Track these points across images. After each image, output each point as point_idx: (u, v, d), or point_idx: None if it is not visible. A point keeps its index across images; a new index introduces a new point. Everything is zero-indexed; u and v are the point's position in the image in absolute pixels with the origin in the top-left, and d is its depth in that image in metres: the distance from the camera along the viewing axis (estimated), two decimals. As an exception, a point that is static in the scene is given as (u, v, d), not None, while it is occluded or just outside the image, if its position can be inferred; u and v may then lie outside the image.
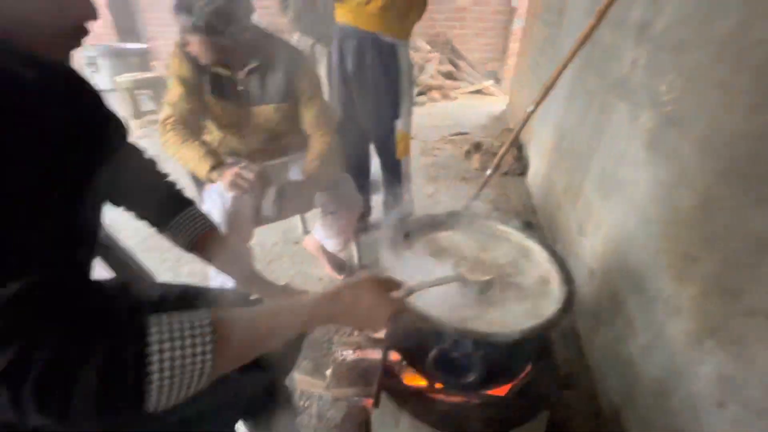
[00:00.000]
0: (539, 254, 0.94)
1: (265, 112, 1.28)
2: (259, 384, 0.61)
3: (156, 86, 3.49)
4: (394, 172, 1.75)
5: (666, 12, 1.08)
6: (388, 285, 0.60)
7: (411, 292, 0.63)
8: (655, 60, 1.10)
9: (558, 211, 1.81)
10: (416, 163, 2.71)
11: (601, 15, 1.20)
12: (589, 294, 1.34)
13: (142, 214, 0.77)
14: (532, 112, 1.39)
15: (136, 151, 0.76)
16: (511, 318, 0.78)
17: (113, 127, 0.69)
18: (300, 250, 1.84)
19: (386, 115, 1.62)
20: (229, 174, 1.08)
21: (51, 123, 0.49)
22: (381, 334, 1.16)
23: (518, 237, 0.99)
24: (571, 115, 1.87)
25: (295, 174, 1.35)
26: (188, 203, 0.80)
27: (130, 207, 0.76)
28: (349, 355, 1.26)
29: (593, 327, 1.30)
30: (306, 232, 1.93)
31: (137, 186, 0.75)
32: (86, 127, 0.60)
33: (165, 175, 0.80)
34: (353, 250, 1.74)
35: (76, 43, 0.48)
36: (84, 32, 0.48)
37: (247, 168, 1.10)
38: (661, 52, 1.08)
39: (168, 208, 0.78)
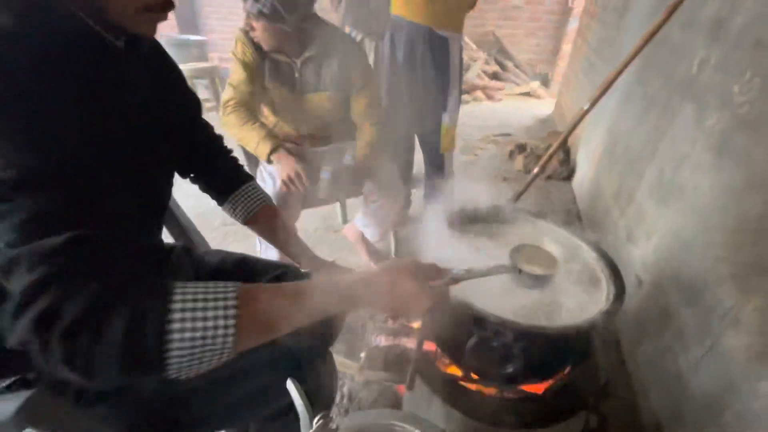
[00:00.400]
0: (587, 253, 0.92)
1: (319, 99, 1.33)
2: (307, 345, 0.64)
3: (212, 75, 3.68)
4: (437, 166, 1.76)
5: (744, 9, 1.02)
6: (431, 272, 0.55)
7: (456, 280, 0.57)
8: (729, 59, 1.04)
9: (605, 217, 1.74)
10: (456, 161, 2.69)
11: (672, 11, 1.14)
12: (635, 304, 1.28)
13: (206, 186, 0.83)
14: (588, 110, 1.34)
15: (206, 126, 0.81)
16: (556, 314, 0.77)
17: (189, 100, 0.75)
18: (339, 238, 1.89)
19: (433, 108, 1.63)
20: (288, 169, 1.16)
21: (133, 88, 0.54)
22: (417, 322, 1.17)
23: (565, 234, 0.97)
24: (626, 118, 1.79)
25: (348, 159, 1.38)
26: (248, 178, 0.85)
27: (196, 178, 0.82)
28: (384, 340, 1.29)
29: (637, 338, 1.25)
30: (345, 220, 1.98)
31: (205, 159, 0.81)
32: (165, 96, 0.65)
33: (230, 151, 0.85)
34: (391, 241, 1.76)
35: (163, 16, 0.50)
36: (170, 5, 0.50)
37: (299, 177, 1.18)
38: (737, 50, 1.01)
39: (230, 182, 0.83)
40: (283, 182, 1.19)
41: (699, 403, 0.90)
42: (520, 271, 0.74)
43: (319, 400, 0.66)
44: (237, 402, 0.59)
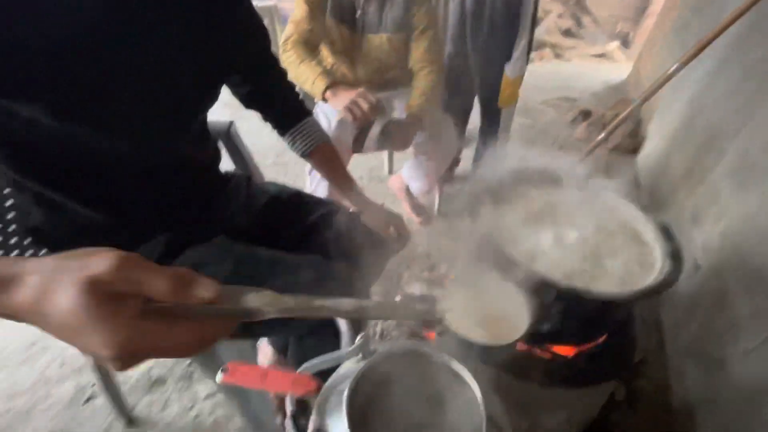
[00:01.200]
0: (644, 225, 0.87)
1: (378, 41, 1.29)
2: (351, 277, 0.68)
3: (271, 15, 3.65)
4: (493, 120, 1.67)
5: None
6: (137, 287, 0.27)
7: (259, 313, 0.34)
8: None
9: (671, 195, 1.62)
10: (514, 124, 2.56)
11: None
12: (687, 287, 1.21)
13: (268, 117, 0.86)
14: (675, 72, 1.20)
15: (273, 59, 0.82)
16: (600, 282, 0.75)
17: (259, 32, 0.76)
18: (383, 189, 1.91)
19: (497, 56, 1.51)
20: (346, 97, 1.13)
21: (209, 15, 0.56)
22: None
23: (622, 204, 0.92)
24: (715, 88, 1.59)
25: (398, 109, 1.36)
26: (308, 114, 0.86)
27: (259, 109, 0.84)
28: (420, 289, 1.33)
29: (683, 321, 1.19)
30: (391, 171, 1.98)
31: (269, 91, 0.83)
32: (236, 25, 0.67)
33: (293, 86, 0.87)
34: (435, 196, 1.75)
35: None
36: None
37: (364, 97, 1.13)
38: None
39: (291, 116, 0.85)
40: (347, 109, 1.14)
41: (739, 393, 0.87)
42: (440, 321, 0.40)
43: (357, 326, 0.71)
44: None
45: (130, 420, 1.01)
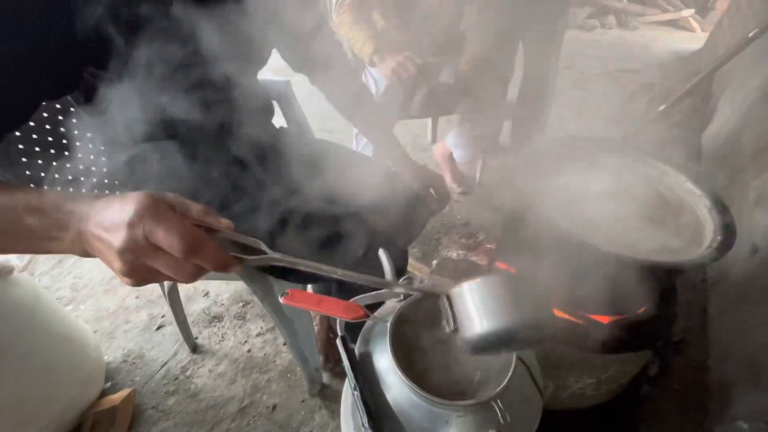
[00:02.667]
0: (698, 198, 0.84)
1: (431, 2, 1.27)
2: (393, 235, 0.73)
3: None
4: (541, 83, 1.59)
5: None
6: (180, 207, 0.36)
7: (273, 259, 0.42)
8: None
9: (736, 176, 1.51)
10: (566, 96, 2.43)
11: None
12: (742, 271, 1.16)
13: (316, 81, 0.90)
14: (755, 37, 1.10)
15: (322, 21, 0.85)
16: (649, 250, 0.75)
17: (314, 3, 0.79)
18: (426, 158, 1.92)
19: (546, 9, 1.42)
20: (393, 61, 1.15)
21: None
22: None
23: (677, 176, 0.89)
24: (805, 59, 1.42)
25: (446, 76, 1.36)
26: (356, 78, 0.90)
27: (309, 73, 0.89)
28: (456, 254, 1.37)
29: (732, 305, 1.15)
30: (435, 140, 1.98)
31: (316, 55, 0.86)
32: None
33: (340, 47, 0.90)
34: (478, 166, 1.74)
35: None
36: None
37: (411, 60, 1.14)
38: None
39: (338, 79, 0.89)
40: (393, 71, 1.17)
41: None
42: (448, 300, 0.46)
43: (401, 269, 0.77)
44: (334, 259, 0.72)
45: (195, 347, 1.15)
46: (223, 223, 0.39)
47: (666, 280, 0.88)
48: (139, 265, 0.34)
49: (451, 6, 1.27)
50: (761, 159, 1.38)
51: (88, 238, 0.35)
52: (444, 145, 1.65)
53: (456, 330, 0.43)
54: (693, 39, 3.56)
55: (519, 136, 1.78)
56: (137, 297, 1.31)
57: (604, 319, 0.89)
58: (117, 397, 1.00)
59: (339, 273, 0.45)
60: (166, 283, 0.94)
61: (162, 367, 1.12)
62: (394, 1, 1.28)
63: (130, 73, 0.57)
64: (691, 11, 3.80)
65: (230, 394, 1.05)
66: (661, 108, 1.32)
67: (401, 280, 0.59)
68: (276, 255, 0.42)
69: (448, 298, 0.45)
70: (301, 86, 1.01)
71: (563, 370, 0.91)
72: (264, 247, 0.42)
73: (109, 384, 1.07)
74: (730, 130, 1.80)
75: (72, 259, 1.45)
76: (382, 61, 1.18)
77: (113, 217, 0.33)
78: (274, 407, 1.03)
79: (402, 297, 0.58)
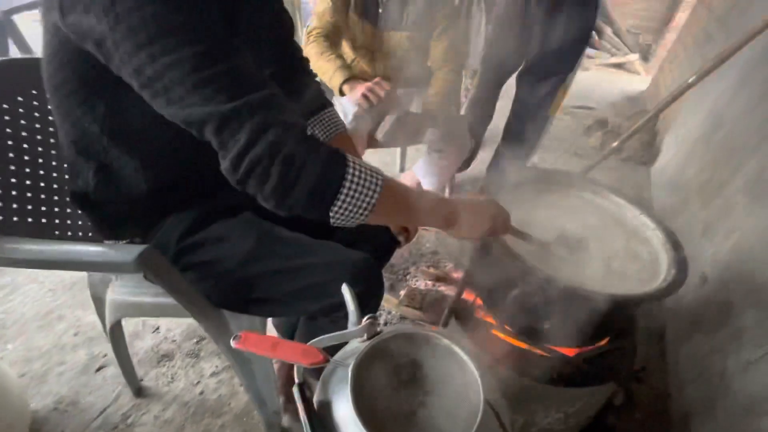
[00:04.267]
0: (653, 232, 0.88)
1: (398, 38, 1.31)
2: (363, 259, 0.70)
3: (293, 6, 3.69)
4: (539, 128, 1.64)
5: None
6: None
7: (521, 236, 0.74)
8: None
9: (682, 208, 1.61)
10: (527, 128, 2.55)
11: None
12: (693, 299, 1.21)
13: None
14: (693, 83, 1.20)
15: (295, 48, 0.85)
16: (608, 284, 0.76)
17: (286, 15, 0.78)
18: (394, 185, 1.93)
19: (565, 63, 1.48)
20: (362, 87, 1.15)
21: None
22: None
23: (631, 210, 0.93)
24: (737, 103, 1.57)
25: (413, 106, 1.38)
26: (329, 104, 0.89)
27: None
28: (424, 284, 1.35)
29: (686, 332, 1.19)
30: (403, 168, 2.00)
31: (291, 79, 0.85)
32: (265, 5, 0.69)
33: (314, 75, 0.89)
34: (446, 194, 1.77)
35: None
36: None
37: (380, 84, 1.16)
38: None
39: (312, 105, 0.87)
40: (363, 96, 1.19)
41: (738, 403, 0.87)
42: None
43: (365, 309, 0.73)
44: (297, 292, 0.68)
45: (139, 390, 1.04)
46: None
47: (626, 312, 0.90)
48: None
49: (418, 42, 1.31)
50: (705, 192, 1.48)
51: (461, 222, 0.63)
52: (412, 174, 1.66)
53: None
54: (639, 81, 3.89)
55: (494, 170, 1.83)
56: (76, 334, 1.18)
57: (570, 352, 0.89)
58: (42, 452, 0.88)
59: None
60: (108, 319, 0.85)
61: (99, 415, 1.00)
62: (363, 34, 1.31)
63: None
64: (636, 56, 4.17)
65: (177, 444, 0.95)
66: (615, 144, 1.40)
67: (365, 319, 0.56)
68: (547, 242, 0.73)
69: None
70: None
71: (531, 406, 0.89)
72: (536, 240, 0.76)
73: (33, 437, 0.94)
74: (676, 165, 1.95)
75: (3, 291, 1.31)
76: (353, 91, 1.19)
77: (487, 217, 0.66)
78: (228, 456, 0.94)
79: (366, 337, 0.55)
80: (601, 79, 3.86)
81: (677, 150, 2.02)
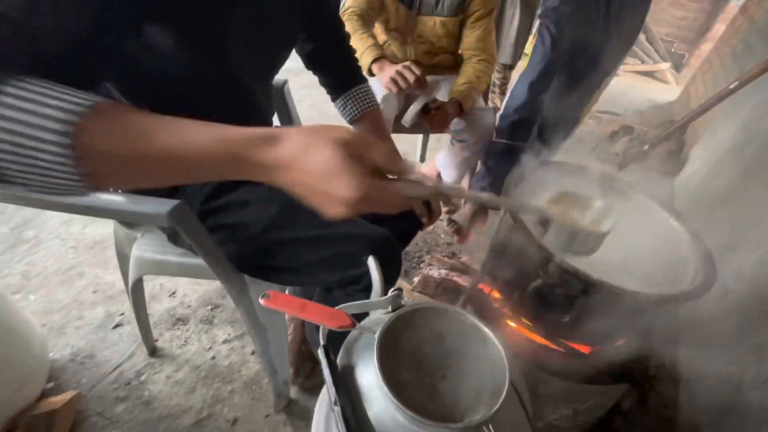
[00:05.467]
0: (682, 235, 0.86)
1: (432, 23, 1.29)
2: (387, 236, 0.70)
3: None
4: (567, 129, 1.59)
5: None
6: (385, 159, 0.38)
7: (441, 194, 0.43)
8: None
9: (707, 220, 1.57)
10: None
11: None
12: (713, 312, 1.19)
13: (325, 79, 0.88)
14: (734, 89, 1.17)
15: (339, 20, 0.84)
16: (632, 284, 0.75)
17: None
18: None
19: (609, 64, 1.42)
20: (392, 70, 1.15)
21: None
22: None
23: (662, 214, 0.91)
24: (773, 116, 1.53)
25: (442, 93, 1.37)
26: (363, 80, 0.88)
27: (319, 68, 0.87)
28: (438, 272, 1.35)
29: (702, 343, 1.17)
30: (423, 160, 1.99)
31: (329, 53, 0.85)
32: None
33: (353, 52, 0.89)
34: (465, 187, 1.76)
35: None
36: None
37: (410, 69, 1.15)
38: None
39: (347, 81, 0.87)
40: (391, 80, 1.16)
41: (753, 417, 0.86)
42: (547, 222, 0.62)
43: (388, 279, 0.73)
44: (316, 262, 0.68)
45: (153, 350, 1.07)
46: (403, 168, 0.41)
47: (646, 314, 0.89)
48: (361, 211, 0.37)
49: (451, 28, 1.30)
50: (732, 203, 1.45)
51: (294, 184, 0.37)
52: (433, 164, 1.65)
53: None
54: (668, 90, 3.80)
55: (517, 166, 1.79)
56: (95, 291, 1.21)
57: (585, 349, 0.88)
58: (58, 399, 0.91)
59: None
60: (131, 275, 0.87)
61: (114, 369, 1.02)
62: (396, 17, 1.29)
63: (186, 37, 0.53)
64: (668, 65, 4.07)
65: (188, 405, 0.97)
66: (645, 147, 1.37)
67: (391, 291, 0.56)
68: (444, 186, 0.45)
69: None
70: (291, 92, 1.00)
71: (541, 399, 0.89)
72: (428, 181, 0.43)
73: (51, 385, 0.97)
74: (702, 177, 1.90)
75: (27, 244, 1.34)
76: (381, 71, 1.18)
77: (326, 166, 0.35)
78: (235, 421, 0.95)
79: (390, 308, 0.55)
80: (629, 86, 3.78)
81: (705, 162, 1.97)
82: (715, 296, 1.20)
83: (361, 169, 0.35)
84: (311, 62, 0.84)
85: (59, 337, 1.08)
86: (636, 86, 3.84)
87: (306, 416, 0.95)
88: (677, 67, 4.16)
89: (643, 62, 4.13)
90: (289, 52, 0.76)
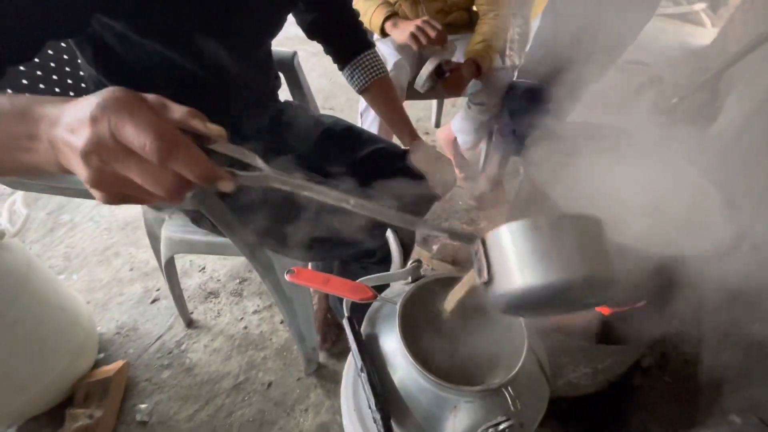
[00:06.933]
0: (708, 193, 0.84)
1: (445, -21, 1.22)
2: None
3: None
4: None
5: None
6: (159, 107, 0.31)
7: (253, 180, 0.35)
8: None
9: (739, 174, 1.50)
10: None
11: None
12: (741, 267, 1.16)
13: (329, 48, 0.86)
14: (774, 33, 1.07)
15: None
16: (656, 243, 0.74)
17: None
18: (429, 142, 1.89)
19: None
20: (410, 25, 1.09)
21: None
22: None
23: (689, 170, 0.88)
24: (820, 58, 1.40)
25: (457, 55, 1.31)
26: (370, 45, 0.86)
27: (322, 38, 0.85)
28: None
29: (726, 301, 1.16)
30: (438, 125, 1.95)
31: (332, 19, 0.82)
32: None
33: (357, 16, 0.85)
34: (482, 153, 1.72)
35: None
36: None
37: (430, 23, 1.09)
38: None
39: (352, 47, 0.85)
40: (412, 36, 1.10)
41: (778, 372, 0.86)
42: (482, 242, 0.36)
43: (408, 251, 0.75)
44: (332, 236, 0.70)
45: (190, 322, 1.14)
46: (213, 129, 0.31)
47: (668, 275, 0.88)
48: (107, 172, 0.28)
49: (465, -17, 1.22)
50: (766, 157, 1.37)
51: (58, 145, 0.28)
52: (448, 129, 1.62)
53: (489, 282, 0.33)
54: (703, 34, 3.51)
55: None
56: (131, 269, 1.29)
57: (605, 311, 0.89)
58: (110, 368, 0.99)
59: (351, 202, 0.36)
60: (162, 255, 0.92)
61: (156, 340, 1.10)
62: (407, -25, 1.23)
63: (139, 28, 0.53)
64: (704, 5, 3.73)
65: (225, 370, 1.05)
66: (674, 101, 1.29)
67: (410, 262, 0.57)
68: (272, 173, 0.35)
69: (483, 242, 0.34)
70: (302, 62, 0.98)
71: (561, 359, 0.91)
72: (260, 162, 0.35)
73: (102, 355, 1.06)
74: (737, 127, 1.79)
75: (65, 228, 1.42)
76: (396, 28, 1.13)
77: (78, 113, 0.27)
78: (270, 384, 1.03)
79: (410, 279, 0.57)
80: (660, 30, 3.50)
81: (740, 111, 1.85)
82: (745, 252, 1.18)
83: (164, 115, 0.30)
84: (313, 33, 0.82)
85: (104, 313, 1.17)
86: (668, 30, 3.55)
87: (335, 379, 1.01)
88: (714, 7, 3.80)
89: (676, 4, 3.80)
90: (277, 25, 0.74)
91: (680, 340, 1.17)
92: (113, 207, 1.48)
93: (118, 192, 0.29)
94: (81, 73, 0.78)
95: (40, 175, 0.35)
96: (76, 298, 1.02)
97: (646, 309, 0.89)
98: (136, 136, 0.26)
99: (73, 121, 0.27)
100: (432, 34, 1.08)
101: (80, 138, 0.27)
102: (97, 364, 1.03)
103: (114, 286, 1.24)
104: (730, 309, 1.14)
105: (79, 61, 0.74)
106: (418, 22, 1.09)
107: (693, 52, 3.13)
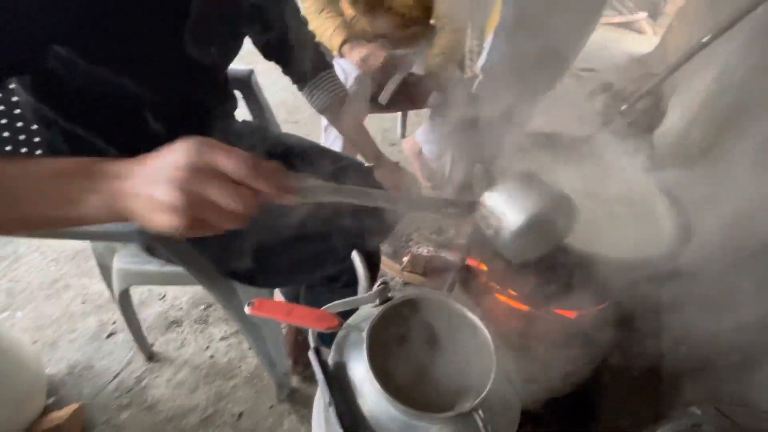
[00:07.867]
0: (656, 197, 0.88)
1: (402, -6, 1.24)
2: (365, 230, 0.70)
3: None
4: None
5: None
6: (237, 165, 0.33)
7: (305, 194, 0.37)
8: None
9: (685, 174, 1.60)
10: (530, 92, 2.49)
11: None
12: (691, 264, 1.24)
13: (287, 69, 0.85)
14: (708, 42, 1.16)
15: (293, 8, 0.80)
16: (611, 248, 0.77)
17: None
18: (395, 152, 1.90)
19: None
20: (364, 51, 1.11)
21: None
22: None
23: (637, 175, 0.93)
24: (748, 64, 1.53)
25: (416, 68, 1.33)
26: (328, 66, 0.85)
27: (278, 59, 0.83)
28: (427, 250, 1.36)
29: (683, 297, 1.23)
30: (404, 134, 1.96)
31: (288, 41, 0.81)
32: None
33: (313, 37, 0.85)
34: (447, 162, 1.74)
35: None
36: None
37: (375, 55, 1.12)
38: None
39: (309, 68, 0.84)
40: (363, 60, 1.15)
41: (730, 361, 0.91)
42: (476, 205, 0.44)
43: (373, 274, 0.74)
44: (299, 261, 0.68)
45: (151, 355, 1.07)
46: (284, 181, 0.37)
47: (627, 276, 0.92)
48: (194, 196, 0.32)
49: (421, -2, 1.25)
50: (707, 158, 1.47)
51: (127, 196, 0.33)
52: (414, 140, 1.63)
53: (497, 233, 0.42)
54: (644, 41, 3.76)
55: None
56: (84, 302, 1.20)
57: (571, 314, 0.92)
58: (62, 413, 0.91)
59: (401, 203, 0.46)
60: (115, 287, 0.86)
61: (114, 378, 1.03)
62: (364, -9, 1.24)
63: (89, 54, 0.51)
64: (645, 14, 4.00)
65: (192, 404, 0.99)
66: (623, 107, 1.36)
67: (376, 285, 0.56)
68: (318, 183, 0.38)
69: (482, 204, 0.43)
70: (263, 75, 0.95)
71: (532, 365, 0.92)
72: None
73: (52, 399, 0.98)
74: (679, 130, 1.92)
75: (7, 260, 1.31)
76: (352, 51, 1.14)
77: (164, 161, 0.33)
78: (241, 415, 0.98)
79: (378, 302, 0.56)
80: (604, 40, 3.72)
81: (681, 114, 1.98)
82: (693, 250, 1.25)
83: (196, 176, 0.32)
84: (269, 54, 0.81)
85: (53, 352, 1.08)
86: (612, 39, 3.78)
87: (309, 404, 0.98)
88: (653, 16, 4.10)
89: (619, 13, 4.06)
90: (234, 50, 0.72)
91: (643, 336, 1.23)
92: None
93: (198, 218, 0.33)
94: (14, 98, 0.72)
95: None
96: (20, 340, 0.94)
97: (608, 310, 0.92)
98: (228, 160, 0.32)
99: (158, 168, 0.33)
100: (377, 64, 1.11)
101: (172, 174, 0.31)
102: (47, 410, 0.95)
103: (65, 322, 1.15)
104: (688, 304, 1.20)
105: (12, 86, 0.69)
106: (366, 50, 1.11)
107: (637, 59, 3.35)
